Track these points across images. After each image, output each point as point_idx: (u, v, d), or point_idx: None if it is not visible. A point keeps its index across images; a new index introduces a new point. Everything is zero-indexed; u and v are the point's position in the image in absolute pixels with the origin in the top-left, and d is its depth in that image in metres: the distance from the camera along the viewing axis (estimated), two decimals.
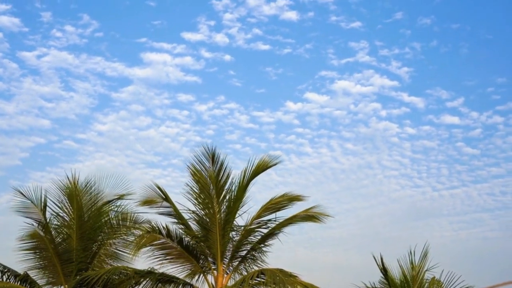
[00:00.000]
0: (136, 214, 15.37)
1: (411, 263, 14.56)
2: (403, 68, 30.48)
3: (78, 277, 14.35)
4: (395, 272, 14.82)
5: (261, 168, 15.02)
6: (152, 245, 14.74)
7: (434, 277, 14.51)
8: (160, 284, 14.64)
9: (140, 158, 19.69)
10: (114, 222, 15.32)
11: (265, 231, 15.12)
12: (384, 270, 14.81)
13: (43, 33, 28.80)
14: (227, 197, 14.94)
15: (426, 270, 14.61)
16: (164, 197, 14.97)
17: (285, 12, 28.74)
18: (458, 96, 31.53)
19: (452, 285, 14.01)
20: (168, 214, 15.20)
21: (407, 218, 35.14)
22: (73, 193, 15.00)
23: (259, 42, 29.39)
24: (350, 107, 31.89)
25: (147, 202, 15.19)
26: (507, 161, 32.58)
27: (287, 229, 15.25)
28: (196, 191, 14.98)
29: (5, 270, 14.39)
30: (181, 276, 14.94)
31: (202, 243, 14.90)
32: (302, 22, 29.18)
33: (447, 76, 31.52)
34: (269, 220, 15.13)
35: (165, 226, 14.68)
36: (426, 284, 14.55)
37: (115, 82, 29.07)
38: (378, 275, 14.72)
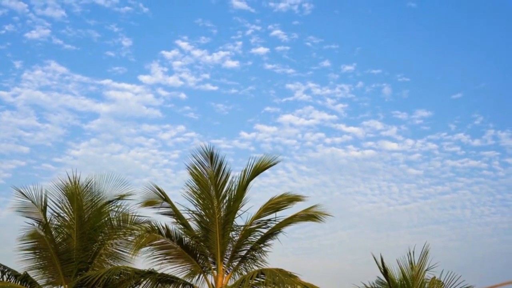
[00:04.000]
0: (136, 214, 15.39)
1: (411, 263, 14.53)
2: (338, 104, 35.03)
3: (78, 277, 14.38)
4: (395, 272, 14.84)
5: (261, 168, 15.03)
6: (152, 245, 14.76)
7: (435, 277, 14.50)
8: (160, 284, 14.64)
9: (114, 177, 22.86)
10: (115, 222, 15.32)
11: (265, 231, 15.13)
12: (384, 270, 14.81)
13: (16, 77, 33.13)
14: (227, 197, 14.96)
15: (426, 270, 14.60)
16: (163, 197, 15.00)
17: (227, 61, 33.72)
18: (390, 126, 35.57)
19: (453, 285, 14.00)
20: (168, 214, 15.23)
21: (369, 230, 38.42)
22: (74, 193, 15.01)
23: (208, 84, 34.00)
24: (298, 136, 35.86)
25: (148, 203, 15.22)
26: (450, 180, 36.42)
27: (286, 229, 15.27)
28: (196, 191, 15.00)
29: (5, 270, 14.41)
30: (181, 276, 14.97)
31: (202, 243, 14.91)
32: (242, 69, 33.95)
33: (377, 111, 35.76)
34: (269, 220, 15.13)
35: (164, 226, 14.68)
36: (427, 284, 14.55)
37: (85, 116, 33.69)
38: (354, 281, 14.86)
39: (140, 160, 35.01)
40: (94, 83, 33.40)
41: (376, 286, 15.32)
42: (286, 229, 15.28)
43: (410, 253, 14.38)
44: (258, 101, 35.56)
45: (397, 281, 14.82)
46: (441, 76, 36.83)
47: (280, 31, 34.15)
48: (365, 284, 15.18)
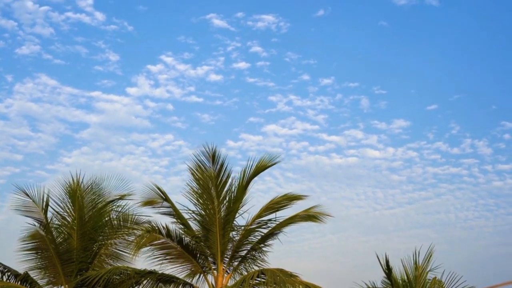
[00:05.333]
0: (136, 214, 15.38)
1: (415, 263, 14.43)
2: (319, 115, 36.76)
3: (78, 277, 14.41)
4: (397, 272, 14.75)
5: (261, 167, 14.97)
6: (152, 245, 14.75)
7: (436, 277, 14.38)
8: (160, 284, 14.63)
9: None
10: (115, 222, 15.33)
11: (265, 231, 15.07)
12: (388, 270, 14.71)
13: (8, 89, 34.68)
14: (228, 197, 14.91)
15: (429, 271, 14.50)
16: (164, 197, 14.99)
17: (210, 75, 35.67)
18: (371, 135, 37.14)
19: (453, 285, 13.87)
20: (168, 214, 15.22)
21: (357, 233, 39.53)
22: (76, 193, 15.03)
23: (193, 96, 35.71)
24: (283, 145, 37.52)
25: (148, 203, 15.22)
26: (433, 186, 37.49)
27: (287, 229, 15.20)
28: (197, 190, 14.97)
29: (6, 270, 14.45)
30: (181, 276, 14.95)
31: (202, 243, 14.88)
32: (225, 82, 35.68)
33: (357, 121, 37.29)
34: (269, 220, 15.07)
35: (165, 226, 14.69)
36: (428, 284, 14.43)
37: (76, 126, 35.40)
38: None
39: (131, 167, 36.60)
40: (84, 95, 35.10)
41: (380, 286, 15.23)
42: (287, 229, 15.23)
43: (415, 254, 14.28)
44: (242, 112, 37.36)
45: (399, 281, 14.74)
46: (416, 89, 38.22)
47: (260, 48, 35.92)
48: (366, 284, 15.06)
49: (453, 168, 37.24)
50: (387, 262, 14.45)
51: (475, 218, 38.12)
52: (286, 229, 15.17)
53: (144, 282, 14.55)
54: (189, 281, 14.97)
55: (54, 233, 14.77)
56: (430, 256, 14.37)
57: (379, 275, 14.87)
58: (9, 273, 14.46)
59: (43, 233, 14.37)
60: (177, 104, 36.22)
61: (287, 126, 36.97)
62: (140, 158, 36.47)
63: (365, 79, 37.70)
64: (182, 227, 15.01)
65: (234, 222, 14.93)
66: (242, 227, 14.96)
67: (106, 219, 15.29)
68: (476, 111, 39.60)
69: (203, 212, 14.97)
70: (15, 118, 34.88)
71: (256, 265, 15.01)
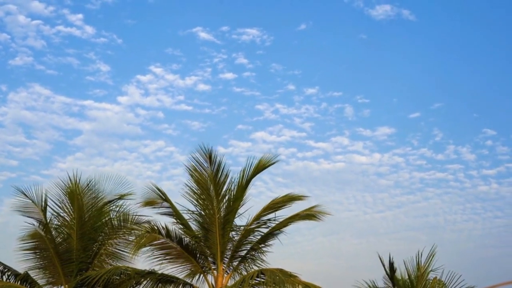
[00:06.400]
0: (136, 214, 15.40)
1: (418, 263, 14.40)
2: (306, 123, 37.78)
3: (78, 277, 14.41)
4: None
5: (260, 167, 14.95)
6: (152, 245, 14.75)
7: (436, 277, 14.33)
8: (160, 284, 14.64)
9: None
10: (115, 222, 15.35)
11: (265, 231, 15.04)
12: (391, 270, 14.68)
13: (2, 98, 35.60)
14: (227, 197, 14.90)
15: (430, 271, 14.46)
16: (163, 197, 15.01)
17: (198, 85, 36.79)
18: (356, 142, 38.10)
19: (454, 285, 13.83)
20: (168, 214, 15.23)
21: (349, 236, 40.32)
22: (74, 193, 15.04)
23: (183, 104, 36.80)
24: (272, 151, 36.75)
25: (148, 203, 15.24)
26: (420, 190, 38.46)
27: (287, 229, 15.16)
28: (195, 191, 14.98)
29: (6, 270, 14.51)
30: (181, 276, 14.95)
31: (202, 243, 14.88)
32: (213, 91, 37.07)
33: (343, 128, 38.34)
34: (269, 219, 15.03)
35: (164, 226, 14.69)
36: (429, 284, 14.38)
37: (70, 133, 36.53)
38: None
39: (124, 172, 37.44)
40: (77, 104, 36.24)
41: (382, 285, 15.20)
42: (287, 229, 15.19)
43: (418, 254, 14.26)
44: (231, 119, 38.53)
45: (399, 278, 14.75)
46: (398, 98, 39.50)
47: (245, 60, 37.19)
48: (367, 283, 15.03)
49: (439, 173, 38.17)
50: (391, 263, 14.45)
51: (463, 221, 39.05)
52: (286, 229, 15.16)
53: (144, 282, 14.56)
54: (189, 281, 14.97)
55: (53, 233, 14.80)
56: (433, 256, 14.34)
57: (374, 276, 14.94)
58: (9, 273, 14.53)
59: (42, 233, 14.41)
60: (168, 112, 37.46)
61: (275, 133, 38.15)
62: (133, 164, 37.63)
63: (348, 89, 39.30)
64: (182, 227, 15.02)
65: (234, 222, 14.91)
66: (242, 227, 14.94)
67: (106, 219, 15.31)
68: (457, 119, 40.93)
69: (202, 212, 14.96)
70: (10, 126, 36.09)
71: (256, 265, 14.98)
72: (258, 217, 15.10)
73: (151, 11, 37.97)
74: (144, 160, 37.75)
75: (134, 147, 37.64)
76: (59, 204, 15.14)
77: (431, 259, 14.38)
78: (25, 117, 35.85)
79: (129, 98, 36.84)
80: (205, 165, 14.70)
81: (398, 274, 14.84)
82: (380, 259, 14.58)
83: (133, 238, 14.72)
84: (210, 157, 14.49)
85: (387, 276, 14.99)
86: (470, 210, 38.74)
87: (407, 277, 14.69)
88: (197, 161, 14.71)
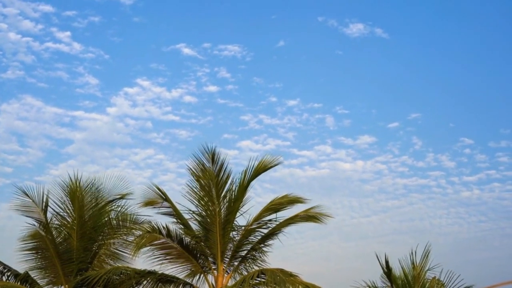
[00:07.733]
0: (136, 214, 15.36)
1: (412, 263, 14.49)
2: (289, 132, 39.18)
3: (78, 277, 14.36)
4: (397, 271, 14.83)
5: (262, 168, 15.00)
6: (152, 245, 14.73)
7: (435, 277, 14.45)
8: (160, 284, 14.62)
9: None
10: (115, 222, 15.29)
11: (265, 231, 15.10)
12: (388, 270, 14.78)
13: None
14: (228, 197, 14.92)
15: (427, 270, 14.56)
16: (164, 197, 14.98)
17: (185, 97, 38.41)
18: (339, 150, 39.54)
19: (452, 284, 13.96)
20: (169, 214, 15.21)
21: (338, 239, 41.18)
22: (75, 193, 14.97)
23: (170, 115, 38.25)
24: (258, 159, 37.01)
25: (148, 203, 15.21)
26: (404, 196, 39.52)
27: (287, 229, 15.24)
28: (197, 191, 14.97)
29: (6, 270, 14.40)
30: (181, 276, 14.95)
31: (202, 243, 14.89)
32: (198, 103, 38.78)
33: (325, 137, 39.54)
34: (270, 220, 15.10)
35: (165, 226, 14.67)
36: (428, 284, 14.51)
37: (62, 142, 37.83)
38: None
39: (117, 178, 38.09)
40: (68, 114, 37.66)
41: (380, 285, 15.30)
42: (287, 229, 15.28)
43: (412, 253, 14.33)
44: (216, 129, 39.84)
45: (397, 276, 14.85)
46: (376, 109, 41.07)
47: (227, 74, 38.72)
48: (366, 283, 15.12)
49: (421, 180, 39.24)
50: (387, 262, 14.54)
51: (448, 225, 39.93)
52: (286, 230, 15.23)
53: (144, 282, 14.53)
54: (189, 281, 14.98)
55: (54, 233, 14.72)
56: (427, 255, 14.41)
57: (367, 277, 15.02)
58: (9, 273, 14.42)
59: (43, 233, 14.33)
60: (156, 122, 39.03)
61: (260, 142, 39.47)
62: (124, 170, 38.57)
63: (328, 100, 40.91)
64: (182, 227, 15.01)
65: (235, 222, 14.95)
66: (242, 227, 14.98)
67: (106, 219, 15.24)
68: (435, 128, 42.25)
69: (203, 212, 14.97)
70: (4, 135, 37.60)
71: (256, 265, 15.03)
72: (258, 218, 15.16)
73: (136, 29, 40.05)
74: (135, 167, 39.29)
75: (124, 155, 39.20)
76: (60, 204, 15.08)
77: (426, 258, 14.49)
78: (18, 126, 37.41)
79: (118, 109, 38.47)
80: (207, 165, 14.71)
81: (394, 273, 14.93)
82: (378, 258, 14.65)
83: (133, 238, 14.67)
84: (212, 157, 14.51)
85: (384, 276, 15.12)
86: (454, 214, 39.78)
87: (403, 275, 14.80)
88: (199, 161, 14.72)
